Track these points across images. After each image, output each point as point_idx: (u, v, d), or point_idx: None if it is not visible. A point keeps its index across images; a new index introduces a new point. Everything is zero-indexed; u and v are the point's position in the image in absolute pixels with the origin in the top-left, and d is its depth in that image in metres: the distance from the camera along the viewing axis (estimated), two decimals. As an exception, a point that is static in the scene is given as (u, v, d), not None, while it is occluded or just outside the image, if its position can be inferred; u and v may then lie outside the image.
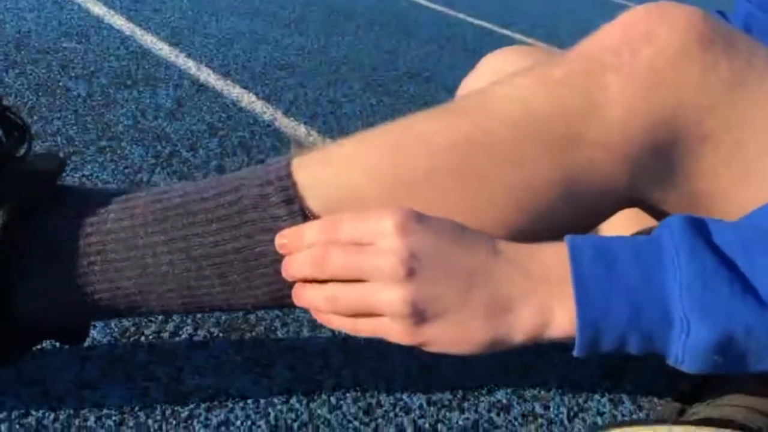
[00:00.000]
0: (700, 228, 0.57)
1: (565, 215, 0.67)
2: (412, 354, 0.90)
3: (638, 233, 0.83)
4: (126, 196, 0.68)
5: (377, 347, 0.90)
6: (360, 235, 0.61)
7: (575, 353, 0.59)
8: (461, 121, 0.66)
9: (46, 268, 0.65)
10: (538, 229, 0.67)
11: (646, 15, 0.65)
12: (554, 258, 0.59)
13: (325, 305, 0.63)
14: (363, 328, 0.62)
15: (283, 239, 0.64)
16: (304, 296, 0.64)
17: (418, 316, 0.59)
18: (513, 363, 0.91)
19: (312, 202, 0.66)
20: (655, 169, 0.65)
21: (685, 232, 0.57)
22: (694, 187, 0.66)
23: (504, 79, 0.69)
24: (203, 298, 0.68)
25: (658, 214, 0.70)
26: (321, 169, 0.67)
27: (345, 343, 0.90)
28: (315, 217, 0.65)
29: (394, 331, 0.61)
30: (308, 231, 0.63)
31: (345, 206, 0.65)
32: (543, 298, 0.59)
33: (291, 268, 0.64)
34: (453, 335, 0.60)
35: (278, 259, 0.65)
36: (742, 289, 0.55)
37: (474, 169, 0.65)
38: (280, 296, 0.67)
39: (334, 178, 0.66)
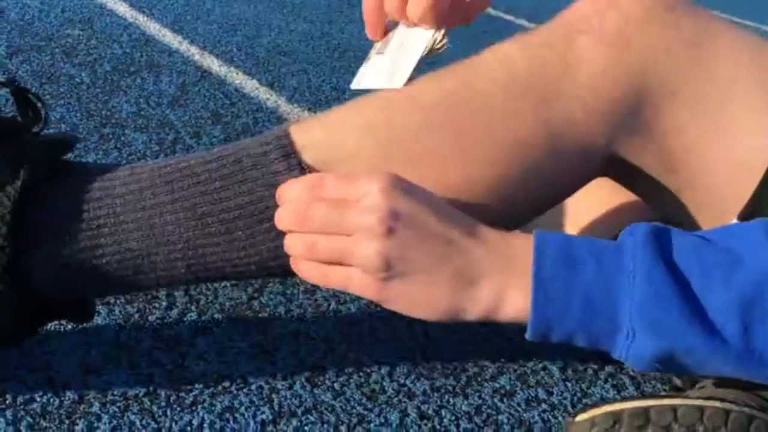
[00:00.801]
0: (662, 243, 0.60)
1: (550, 170, 0.70)
2: (416, 340, 0.90)
3: (610, 212, 0.88)
4: (132, 165, 0.71)
5: (381, 334, 0.91)
6: (345, 193, 0.64)
7: (526, 337, 0.63)
8: (450, 80, 0.70)
9: (57, 232, 0.67)
10: (526, 185, 0.70)
11: None
12: (522, 249, 0.63)
13: (303, 250, 0.65)
14: (332, 278, 0.65)
15: (278, 193, 0.67)
16: (287, 241, 0.67)
17: (388, 271, 0.62)
18: (516, 349, 0.91)
19: (309, 160, 0.68)
20: (628, 126, 0.69)
21: (647, 248, 0.59)
22: (665, 142, 0.69)
23: (491, 47, 0.73)
24: (209, 259, 0.69)
25: (635, 179, 0.73)
26: (317, 128, 0.70)
27: (349, 329, 0.90)
28: (313, 172, 0.68)
29: (363, 284, 0.64)
30: (296, 186, 0.66)
31: (340, 163, 0.68)
32: (503, 282, 0.62)
33: (278, 220, 0.66)
34: (415, 296, 0.63)
35: None
36: (690, 313, 0.57)
37: (463, 124, 0.68)
38: (284, 254, 0.68)
39: (328, 136, 0.69)
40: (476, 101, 0.69)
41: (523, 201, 0.71)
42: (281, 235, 0.67)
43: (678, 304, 0.57)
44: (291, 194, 0.66)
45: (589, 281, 0.59)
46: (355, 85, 0.77)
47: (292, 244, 0.66)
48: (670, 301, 0.57)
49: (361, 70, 0.77)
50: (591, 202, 0.90)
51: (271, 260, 0.70)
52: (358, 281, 0.64)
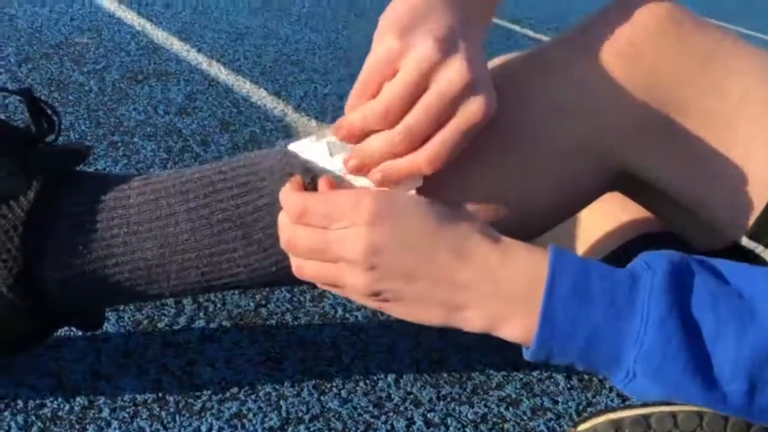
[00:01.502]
0: (680, 286, 0.59)
1: (561, 184, 0.70)
2: (422, 348, 0.91)
3: (621, 226, 0.87)
4: (145, 175, 0.71)
5: (388, 342, 0.91)
6: (328, 219, 0.62)
7: (524, 357, 0.63)
8: None
9: (70, 242, 0.67)
10: (537, 199, 0.70)
11: (623, 3, 0.71)
12: (529, 272, 0.61)
13: (294, 269, 0.66)
14: (331, 287, 0.66)
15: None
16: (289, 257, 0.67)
17: (378, 297, 0.63)
18: (522, 358, 0.92)
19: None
20: (638, 140, 0.69)
21: (663, 294, 0.58)
22: (673, 157, 0.69)
23: (501, 63, 0.73)
24: (224, 266, 0.69)
25: (645, 193, 0.74)
26: None
27: (356, 337, 0.91)
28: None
29: (357, 299, 0.65)
30: (284, 203, 0.64)
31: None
32: (499, 309, 0.61)
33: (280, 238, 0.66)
34: (408, 315, 0.64)
35: None
36: (695, 367, 0.57)
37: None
38: None
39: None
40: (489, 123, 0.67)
41: (533, 216, 0.71)
42: None
43: (685, 358, 0.57)
44: (283, 211, 0.65)
45: (598, 318, 0.59)
46: (293, 147, 0.70)
47: (291, 258, 0.66)
48: (678, 353, 0.57)
49: (305, 141, 0.69)
50: (602, 216, 0.90)
51: (288, 259, 0.69)
52: (352, 296, 0.65)
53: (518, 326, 0.61)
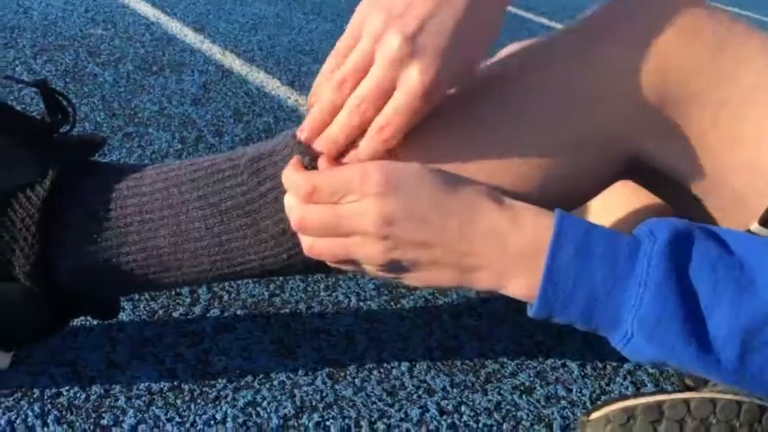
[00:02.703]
0: (680, 252, 0.60)
1: (573, 172, 0.70)
2: (435, 336, 0.91)
3: (632, 213, 0.88)
4: (159, 164, 0.72)
5: (401, 330, 0.92)
6: (337, 190, 0.63)
7: (528, 314, 0.64)
8: (474, 85, 0.70)
9: (84, 230, 0.68)
10: (549, 187, 0.70)
11: None
12: (535, 234, 0.62)
13: (306, 249, 0.66)
14: (344, 265, 0.67)
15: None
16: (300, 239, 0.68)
17: (390, 266, 0.64)
18: (536, 346, 0.92)
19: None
20: (651, 128, 0.69)
21: (662, 260, 0.59)
22: (686, 147, 0.69)
23: (514, 51, 0.74)
24: (234, 254, 0.70)
25: (657, 182, 0.74)
26: None
27: (369, 325, 0.91)
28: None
29: (372, 271, 0.66)
30: (289, 183, 0.65)
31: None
32: (506, 267, 0.63)
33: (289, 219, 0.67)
34: (422, 281, 0.65)
35: None
36: (690, 331, 0.58)
37: (487, 125, 0.69)
38: None
39: None
40: (501, 109, 0.69)
41: (545, 203, 0.71)
42: None
43: (680, 322, 0.58)
44: (287, 192, 0.66)
45: (599, 280, 0.60)
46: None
47: (301, 239, 0.67)
48: (673, 317, 0.58)
49: None
50: (613, 203, 0.90)
51: (299, 246, 0.69)
52: (366, 269, 0.66)
53: (523, 284, 0.63)
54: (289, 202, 0.65)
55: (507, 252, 0.62)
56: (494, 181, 0.68)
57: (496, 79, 0.70)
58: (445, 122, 0.69)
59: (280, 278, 0.97)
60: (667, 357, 0.59)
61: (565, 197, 0.73)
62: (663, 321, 0.58)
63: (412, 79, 0.61)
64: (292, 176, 0.65)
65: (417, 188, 0.63)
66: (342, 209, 0.63)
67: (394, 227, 0.62)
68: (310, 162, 0.66)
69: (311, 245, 0.65)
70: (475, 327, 0.94)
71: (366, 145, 0.64)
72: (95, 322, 0.83)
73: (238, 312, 0.90)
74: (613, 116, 0.68)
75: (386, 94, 0.62)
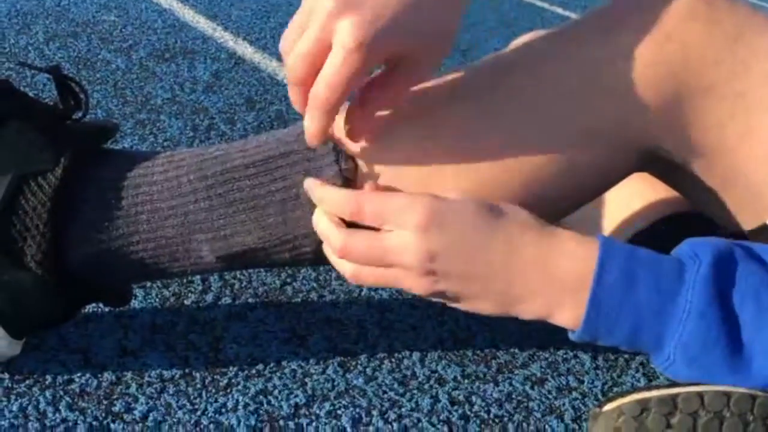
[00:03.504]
0: (724, 277, 0.61)
1: (589, 165, 0.70)
2: (447, 326, 0.91)
3: (648, 206, 0.88)
4: (170, 152, 0.72)
5: (413, 320, 0.91)
6: (382, 216, 0.64)
7: (570, 338, 0.66)
8: (486, 78, 0.70)
9: (96, 218, 0.68)
10: (565, 180, 0.70)
11: None
12: (579, 262, 0.63)
13: (350, 276, 0.67)
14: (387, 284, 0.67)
15: (317, 198, 0.66)
16: (334, 262, 0.68)
17: (436, 296, 0.66)
18: (547, 337, 0.92)
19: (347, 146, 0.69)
20: (667, 121, 0.69)
21: (707, 286, 0.60)
22: (704, 139, 0.69)
23: (527, 41, 0.74)
24: (237, 249, 0.69)
25: (674, 174, 0.74)
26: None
27: (381, 315, 0.91)
28: (349, 155, 0.68)
29: (418, 294, 0.67)
30: (333, 203, 0.65)
31: (378, 153, 0.68)
32: (552, 298, 0.64)
33: (325, 246, 0.68)
34: (467, 308, 0.67)
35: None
36: (731, 354, 0.60)
37: (502, 120, 0.68)
38: (315, 240, 0.69)
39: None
40: (515, 98, 0.69)
41: (560, 196, 0.71)
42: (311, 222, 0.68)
43: (722, 349, 0.60)
44: (327, 214, 0.66)
45: (643, 305, 0.61)
46: None
47: (339, 266, 0.68)
48: (715, 345, 0.60)
49: None
50: (629, 195, 0.90)
51: (304, 246, 0.70)
52: (413, 292, 0.67)
53: (569, 314, 0.64)
54: (324, 224, 0.66)
55: (552, 281, 0.63)
56: (508, 173, 0.68)
57: (509, 69, 0.70)
58: (456, 112, 0.68)
59: (290, 269, 0.97)
60: (707, 380, 0.61)
61: (580, 190, 0.73)
62: (705, 348, 0.60)
63: (344, 31, 0.58)
64: (333, 193, 0.65)
65: (460, 223, 0.63)
66: (386, 242, 0.64)
67: (437, 263, 0.63)
68: (345, 182, 0.67)
69: (356, 274, 0.66)
70: (487, 317, 0.94)
71: (309, 110, 0.62)
72: (107, 309, 0.83)
73: (250, 300, 0.90)
74: (629, 107, 0.68)
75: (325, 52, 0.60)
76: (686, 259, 0.62)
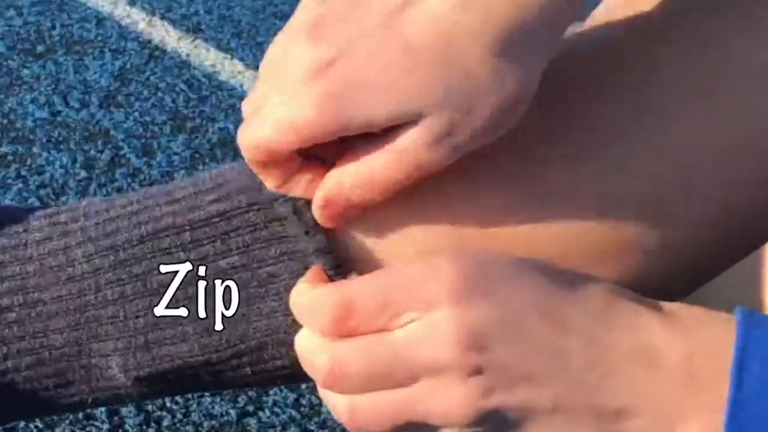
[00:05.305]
0: None
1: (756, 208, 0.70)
2: None
3: None
4: (53, 208, 0.71)
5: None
6: (388, 304, 0.61)
7: None
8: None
9: None
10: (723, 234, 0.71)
11: None
12: (705, 357, 0.63)
13: (345, 418, 0.65)
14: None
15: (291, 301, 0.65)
16: (322, 394, 0.66)
17: (487, 425, 0.62)
18: None
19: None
20: None
21: None
22: None
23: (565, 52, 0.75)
24: (165, 365, 0.68)
25: None
26: None
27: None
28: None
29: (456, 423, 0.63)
30: (309, 300, 0.64)
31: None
32: (674, 407, 0.63)
33: (309, 370, 0.65)
34: None
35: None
36: None
37: None
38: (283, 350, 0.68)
39: None
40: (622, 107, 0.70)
41: (710, 263, 0.73)
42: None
43: None
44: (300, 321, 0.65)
45: None
46: None
47: (329, 401, 0.65)
48: None
49: None
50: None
51: (275, 358, 0.70)
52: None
53: (699, 426, 0.62)
54: (302, 340, 0.64)
55: (669, 382, 0.62)
56: (617, 234, 0.68)
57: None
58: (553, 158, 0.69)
59: (254, 390, 0.97)
60: None
61: (719, 243, 0.73)
62: None
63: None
64: (310, 293, 0.64)
65: (516, 290, 0.62)
66: (398, 338, 0.61)
67: (488, 353, 0.60)
68: (337, 272, 0.67)
69: (351, 408, 0.64)
70: None
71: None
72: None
73: (189, 447, 0.88)
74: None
75: None
76: None
